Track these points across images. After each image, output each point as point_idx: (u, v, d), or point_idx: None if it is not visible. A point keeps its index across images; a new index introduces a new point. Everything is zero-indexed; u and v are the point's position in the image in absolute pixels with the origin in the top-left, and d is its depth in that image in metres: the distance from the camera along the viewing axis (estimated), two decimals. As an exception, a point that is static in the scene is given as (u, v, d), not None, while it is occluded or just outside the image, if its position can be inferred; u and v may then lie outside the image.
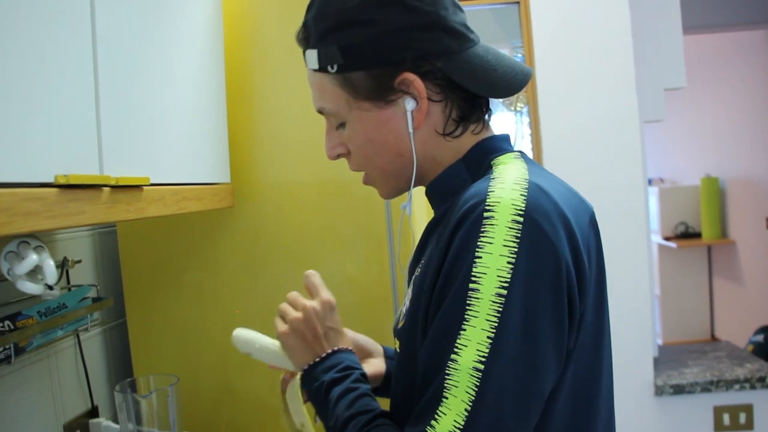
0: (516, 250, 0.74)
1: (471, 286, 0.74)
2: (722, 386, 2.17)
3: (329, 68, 0.88)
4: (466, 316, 0.73)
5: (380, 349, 1.19)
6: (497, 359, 0.72)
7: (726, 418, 2.21)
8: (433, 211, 1.01)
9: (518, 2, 2.29)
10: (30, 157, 0.84)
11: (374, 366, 1.14)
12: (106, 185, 1.01)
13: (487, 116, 0.95)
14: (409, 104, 0.88)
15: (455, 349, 0.73)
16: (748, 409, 2.21)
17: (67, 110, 0.92)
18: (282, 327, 1.02)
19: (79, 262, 1.51)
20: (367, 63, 0.87)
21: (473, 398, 0.71)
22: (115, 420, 1.55)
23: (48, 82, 0.88)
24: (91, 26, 0.98)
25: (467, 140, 0.92)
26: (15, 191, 0.80)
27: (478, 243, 0.75)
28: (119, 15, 1.08)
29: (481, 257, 0.74)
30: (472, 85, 0.88)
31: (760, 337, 4.48)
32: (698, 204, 5.60)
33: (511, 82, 0.90)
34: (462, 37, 0.89)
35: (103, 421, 1.55)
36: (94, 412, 1.58)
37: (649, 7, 2.33)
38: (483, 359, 0.72)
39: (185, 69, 1.37)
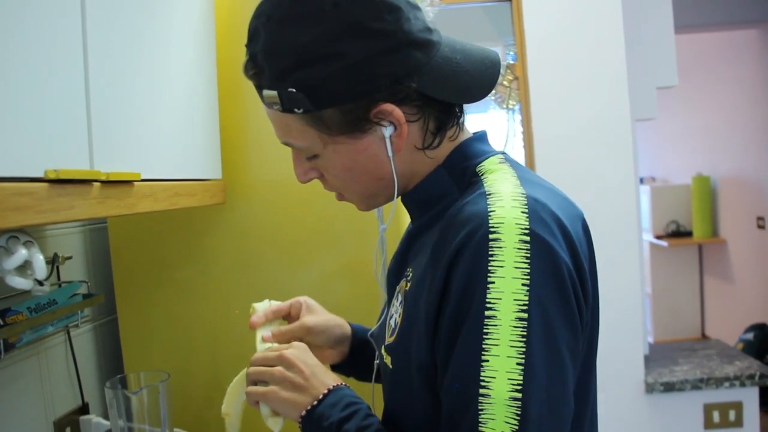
0: (528, 270, 0.72)
1: (487, 313, 0.71)
2: (712, 384, 2.18)
3: (295, 110, 0.82)
4: (484, 346, 0.70)
5: (347, 331, 1.15)
6: (532, 384, 0.70)
7: (716, 416, 2.22)
8: (410, 216, 0.98)
9: (510, 0, 2.29)
10: (19, 151, 0.84)
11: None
12: (96, 180, 1.00)
13: (462, 119, 0.92)
14: (387, 130, 0.83)
15: (483, 383, 0.70)
16: (738, 406, 2.22)
17: (57, 104, 0.92)
18: (264, 389, 0.92)
19: (69, 258, 1.50)
20: (337, 100, 0.80)
21: (516, 428, 0.69)
22: (106, 417, 1.55)
23: (38, 76, 0.87)
24: (82, 19, 0.98)
25: (445, 147, 0.90)
26: (4, 186, 0.79)
27: (489, 267, 0.72)
28: (110, 8, 1.07)
29: (493, 282, 0.72)
30: (448, 95, 0.85)
31: (750, 335, 4.50)
32: (689, 203, 5.62)
33: (484, 79, 0.87)
34: (428, 45, 0.83)
35: (93, 417, 1.55)
36: (84, 409, 1.58)
37: (641, 6, 2.33)
38: (519, 387, 0.69)
39: (177, 64, 1.36)
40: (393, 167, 0.86)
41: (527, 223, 0.74)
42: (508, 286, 0.71)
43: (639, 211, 2.30)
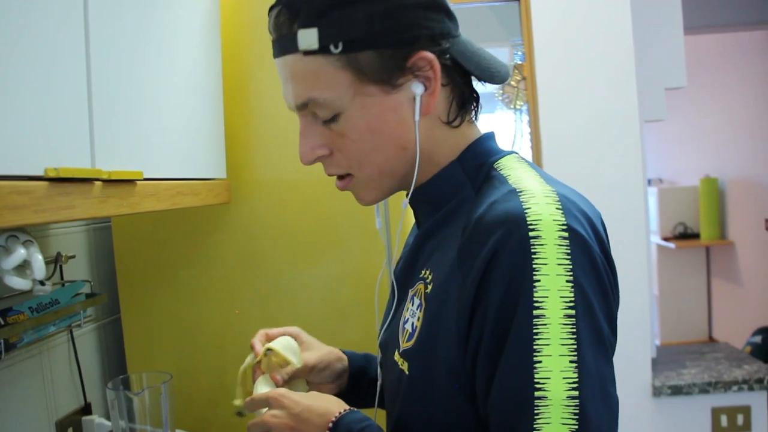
0: (571, 267, 0.71)
1: (535, 312, 0.70)
2: (720, 387, 2.16)
3: (332, 48, 0.79)
4: (536, 347, 0.69)
5: (345, 362, 1.12)
6: (586, 379, 0.69)
7: (724, 420, 2.20)
8: (415, 217, 0.96)
9: (519, 0, 2.28)
10: (18, 148, 0.82)
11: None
12: (98, 179, 0.99)
13: (479, 108, 0.92)
14: (418, 89, 0.82)
15: (537, 386, 0.68)
16: (746, 410, 2.20)
17: (57, 100, 0.90)
18: None
19: (72, 257, 1.49)
20: (378, 41, 0.79)
21: (575, 428, 0.67)
22: (108, 417, 1.54)
23: (38, 71, 0.86)
24: (84, 14, 0.96)
25: (462, 137, 0.89)
26: (2, 184, 0.78)
27: (533, 266, 0.71)
28: (113, 4, 1.06)
29: (539, 280, 0.70)
30: (474, 69, 0.85)
31: (758, 339, 4.47)
32: (697, 205, 5.60)
33: (500, 69, 0.89)
34: (456, 21, 0.85)
35: (95, 418, 1.54)
36: (86, 409, 1.57)
37: (650, 7, 2.32)
38: (575, 384, 0.68)
39: (181, 62, 1.35)
40: (417, 132, 0.84)
41: (564, 219, 0.73)
42: (553, 283, 0.70)
43: (646, 212, 2.28)
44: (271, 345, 1.03)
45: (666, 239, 5.73)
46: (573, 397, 0.67)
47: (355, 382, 1.12)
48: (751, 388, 2.16)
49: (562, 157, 2.23)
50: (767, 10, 4.18)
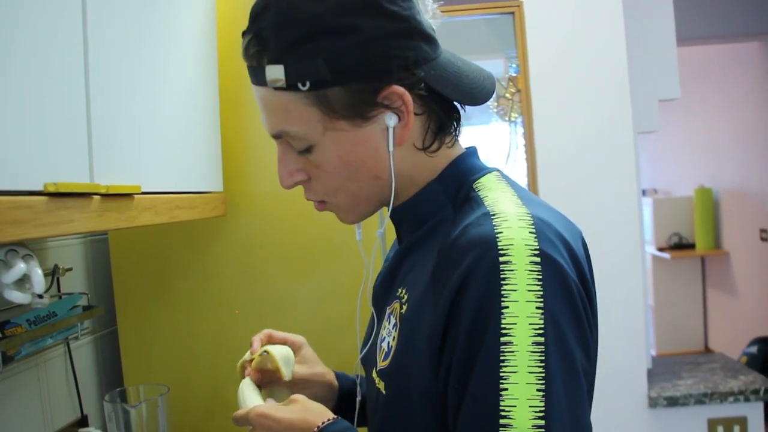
0: (541, 293, 0.69)
1: (503, 339, 0.68)
2: (716, 398, 2.16)
3: (300, 85, 0.77)
4: (502, 374, 0.67)
5: (335, 387, 1.10)
6: (554, 408, 0.67)
7: (720, 431, 2.20)
8: (397, 233, 0.95)
9: (513, 13, 2.30)
10: (18, 164, 0.83)
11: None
12: (96, 193, 1.00)
13: (459, 130, 0.90)
14: (391, 120, 0.80)
15: (502, 413, 0.67)
16: (743, 421, 2.20)
17: (57, 117, 0.91)
18: None
19: (69, 269, 1.50)
20: (347, 77, 0.77)
21: None
22: (105, 429, 1.54)
23: (38, 88, 0.87)
24: (83, 32, 0.98)
25: (442, 156, 0.87)
26: (2, 199, 0.79)
27: (502, 292, 0.69)
28: (111, 20, 1.07)
29: (507, 306, 0.69)
30: (452, 93, 0.83)
31: (753, 349, 4.48)
32: (692, 215, 5.62)
33: (483, 87, 0.87)
34: (435, 43, 0.82)
35: (92, 430, 1.54)
36: (83, 422, 1.57)
37: (643, 19, 2.34)
38: (541, 414, 0.66)
39: (178, 76, 1.36)
40: (392, 163, 0.83)
41: (536, 243, 0.72)
42: (522, 310, 0.69)
43: (641, 223, 2.29)
44: (270, 349, 1.04)
45: (661, 249, 5.74)
46: (539, 426, 0.66)
47: (342, 404, 1.10)
48: (747, 399, 2.17)
49: (557, 169, 2.25)
50: (761, 21, 4.21)
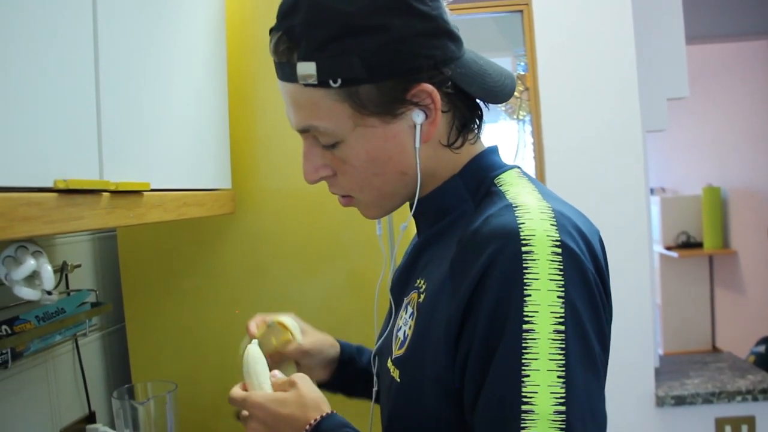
0: (563, 282, 0.71)
1: (525, 327, 0.70)
2: (724, 398, 2.16)
3: (331, 82, 0.79)
4: (524, 361, 0.69)
5: (338, 350, 1.15)
6: (574, 395, 0.69)
7: (728, 430, 2.20)
8: (417, 227, 0.97)
9: (521, 11, 2.29)
10: (29, 161, 0.83)
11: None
12: (105, 190, 1.00)
13: (482, 127, 0.92)
14: (419, 117, 0.82)
15: (524, 399, 0.68)
16: (751, 421, 2.19)
17: (67, 114, 0.92)
18: None
19: (78, 266, 1.50)
20: (378, 75, 0.78)
21: None
22: (113, 426, 1.54)
23: (48, 85, 0.87)
24: (93, 28, 0.98)
25: (465, 152, 0.89)
26: (13, 195, 0.79)
27: (524, 280, 0.71)
28: (121, 17, 1.07)
29: (530, 295, 0.71)
30: (477, 91, 0.86)
31: (761, 348, 4.46)
32: (700, 214, 5.59)
33: (505, 86, 0.89)
34: (460, 41, 0.84)
35: (100, 427, 1.54)
36: (91, 418, 1.57)
37: (652, 17, 2.33)
38: (562, 400, 0.68)
39: (187, 74, 1.36)
40: (418, 159, 0.84)
41: (558, 235, 0.74)
42: (544, 298, 0.71)
43: (649, 221, 2.28)
44: (281, 318, 1.04)
45: (669, 248, 5.72)
46: (560, 413, 0.68)
47: (343, 369, 1.14)
48: (755, 399, 2.16)
49: (565, 167, 2.24)
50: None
